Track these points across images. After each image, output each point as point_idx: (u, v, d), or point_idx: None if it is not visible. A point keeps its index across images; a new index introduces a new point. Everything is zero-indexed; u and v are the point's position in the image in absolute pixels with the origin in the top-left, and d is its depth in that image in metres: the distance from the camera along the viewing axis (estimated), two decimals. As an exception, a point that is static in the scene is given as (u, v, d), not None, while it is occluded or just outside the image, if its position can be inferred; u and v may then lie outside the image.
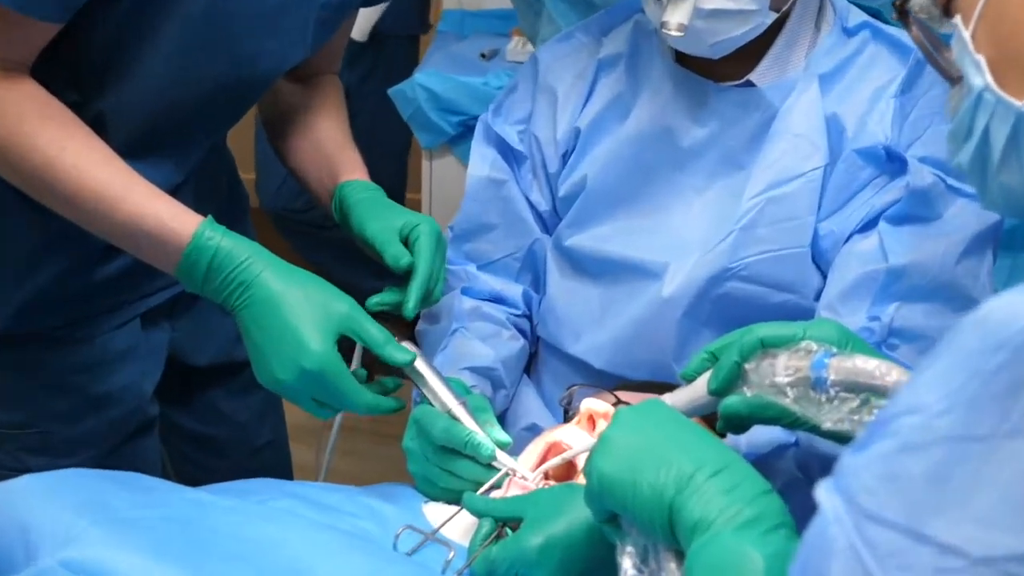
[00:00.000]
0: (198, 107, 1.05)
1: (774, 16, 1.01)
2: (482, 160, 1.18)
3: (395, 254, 1.00)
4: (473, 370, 1.08)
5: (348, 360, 0.93)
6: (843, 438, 0.77)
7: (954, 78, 0.65)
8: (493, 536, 0.81)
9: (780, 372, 0.76)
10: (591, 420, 0.93)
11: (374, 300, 0.99)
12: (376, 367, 0.97)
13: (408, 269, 1.00)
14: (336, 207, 1.10)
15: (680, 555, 0.64)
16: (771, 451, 0.94)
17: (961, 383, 0.44)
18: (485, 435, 0.92)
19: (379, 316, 0.96)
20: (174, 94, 1.02)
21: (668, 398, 0.85)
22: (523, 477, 0.90)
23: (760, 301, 1.03)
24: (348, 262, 2.12)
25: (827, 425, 0.73)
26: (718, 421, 0.83)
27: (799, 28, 1.05)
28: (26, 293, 1.08)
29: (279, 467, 1.41)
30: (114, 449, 1.17)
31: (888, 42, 1.05)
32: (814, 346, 0.76)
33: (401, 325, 0.99)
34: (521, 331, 1.18)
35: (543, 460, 0.91)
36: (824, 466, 0.91)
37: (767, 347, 0.79)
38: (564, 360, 1.16)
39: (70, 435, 1.15)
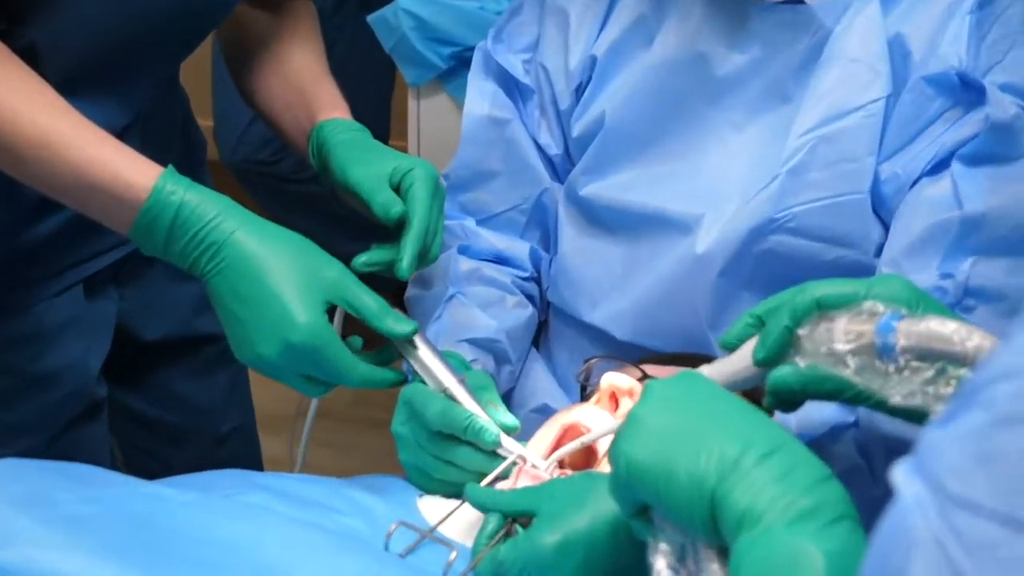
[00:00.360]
0: (144, 35, 1.04)
1: None
2: (481, 96, 1.17)
3: (384, 202, 0.99)
4: (473, 343, 1.08)
5: None
6: (913, 415, 0.76)
7: None
8: (501, 534, 0.81)
9: (839, 338, 0.75)
10: (613, 398, 0.93)
11: (361, 259, 0.99)
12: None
13: (400, 221, 0.99)
14: (314, 151, 1.09)
15: (723, 554, 0.63)
16: (826, 433, 0.94)
17: None
18: (488, 418, 0.92)
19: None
20: (115, 20, 1.00)
21: (706, 370, 0.84)
22: (534, 466, 0.89)
23: (811, 258, 1.02)
24: (324, 222, 2.12)
25: (895, 400, 0.73)
26: (765, 397, 0.82)
27: (855, -68, 1.04)
28: (-55, 255, 1.08)
29: (247, 459, 1.41)
30: (56, 437, 1.17)
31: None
32: (879, 307, 0.75)
33: (384, 292, 0.99)
34: (529, 297, 1.18)
35: (558, 445, 0.91)
36: (890, 450, 0.90)
37: (824, 309, 0.78)
38: (580, 330, 1.15)
39: (5, 420, 1.15)
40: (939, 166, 1.00)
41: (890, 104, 1.02)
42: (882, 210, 1.03)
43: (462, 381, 0.94)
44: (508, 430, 0.92)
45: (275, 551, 0.75)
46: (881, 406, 0.77)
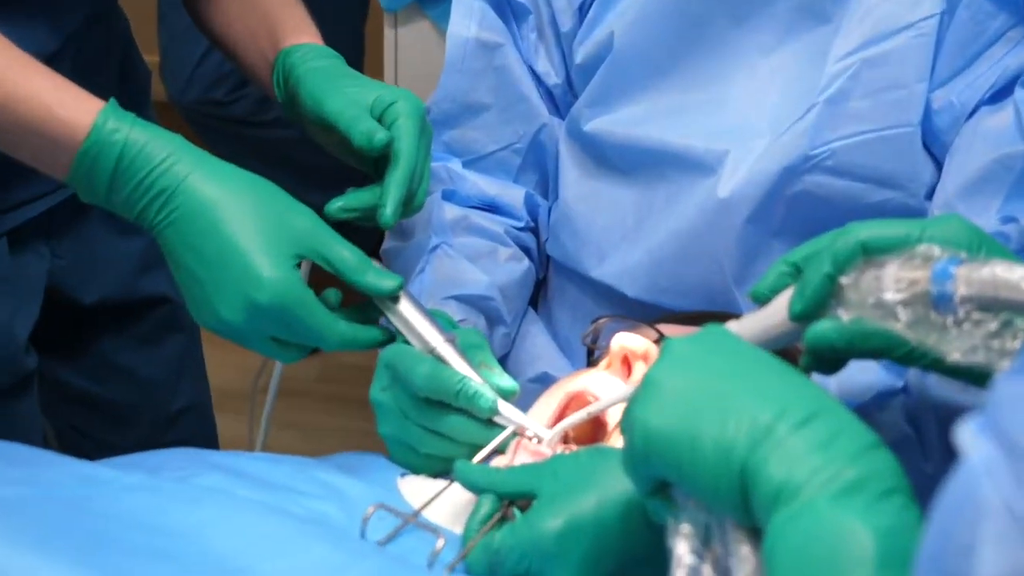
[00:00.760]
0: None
1: None
2: (467, 16, 1.16)
3: (366, 130, 0.98)
4: (461, 299, 1.08)
5: None
6: (974, 375, 0.75)
7: None
8: (496, 519, 0.81)
9: (889, 286, 0.75)
10: (626, 362, 0.93)
11: (336, 204, 0.99)
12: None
13: (384, 150, 0.98)
14: (279, 80, 1.08)
15: (755, 535, 0.63)
16: (871, 400, 0.94)
17: None
18: (483, 381, 0.91)
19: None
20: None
21: (733, 326, 0.84)
22: (536, 439, 0.89)
23: (852, 201, 1.03)
24: (289, 171, 2.11)
25: (953, 357, 0.72)
26: (802, 356, 0.82)
27: None
28: None
29: (201, 441, 1.41)
30: (-24, 415, 1.17)
31: None
32: (935, 250, 0.75)
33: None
34: (524, 249, 1.18)
35: (562, 416, 0.91)
36: (943, 420, 0.91)
37: (870, 253, 0.78)
38: (585, 287, 1.15)
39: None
40: (1000, 93, 1.00)
41: (944, 22, 1.01)
42: (934, 145, 1.03)
43: (451, 340, 0.93)
44: (506, 394, 0.92)
45: (233, 540, 0.75)
46: (937, 365, 0.77)
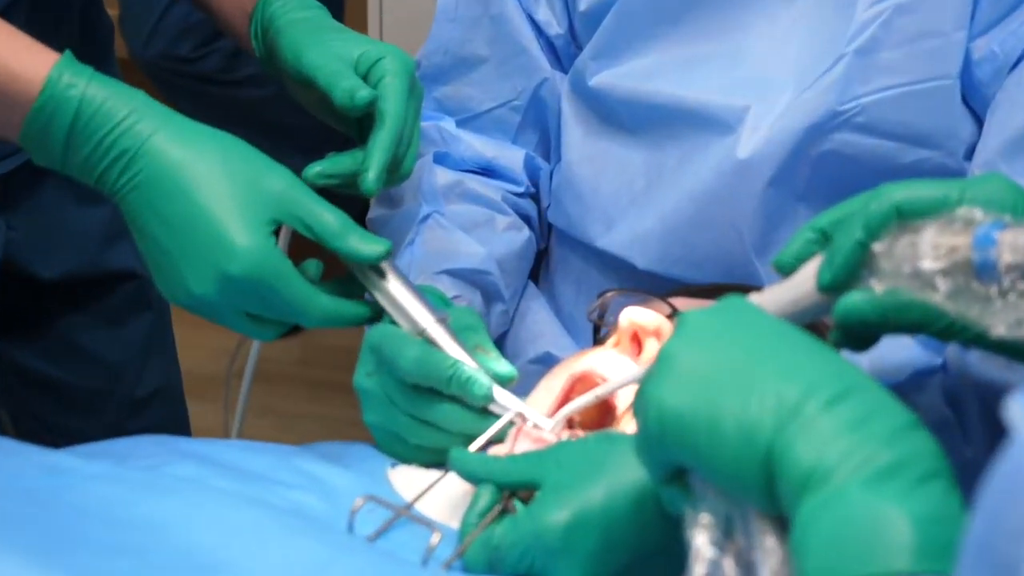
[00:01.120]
0: None
1: None
2: (461, -41, 1.17)
3: (348, 88, 0.97)
4: (455, 274, 1.08)
5: None
6: (1021, 351, 0.76)
7: None
8: (496, 511, 0.81)
9: (926, 254, 0.74)
10: (636, 339, 0.93)
11: (315, 169, 0.98)
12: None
13: (367, 110, 0.98)
14: (257, 33, 1.08)
15: (782, 524, 0.63)
16: (908, 378, 0.94)
17: None
18: (477, 365, 0.92)
19: None
20: None
21: (756, 298, 0.84)
22: (537, 426, 0.89)
23: (884, 162, 1.03)
24: (261, 134, 2.10)
25: (998, 331, 0.71)
26: (831, 331, 0.82)
27: None
28: None
29: (170, 430, 1.40)
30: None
31: None
32: (977, 213, 0.74)
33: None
34: (524, 217, 1.18)
35: (566, 400, 0.91)
36: (986, 401, 0.91)
37: (905, 217, 0.77)
38: (590, 259, 1.16)
39: None
40: (1048, 41, 1.00)
41: (985, -38, 1.01)
42: (974, 99, 1.03)
43: (443, 321, 0.93)
44: (503, 380, 0.92)
45: (208, 534, 0.75)
46: (980, 340, 0.77)
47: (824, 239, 0.82)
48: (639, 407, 0.68)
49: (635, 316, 0.93)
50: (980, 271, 0.73)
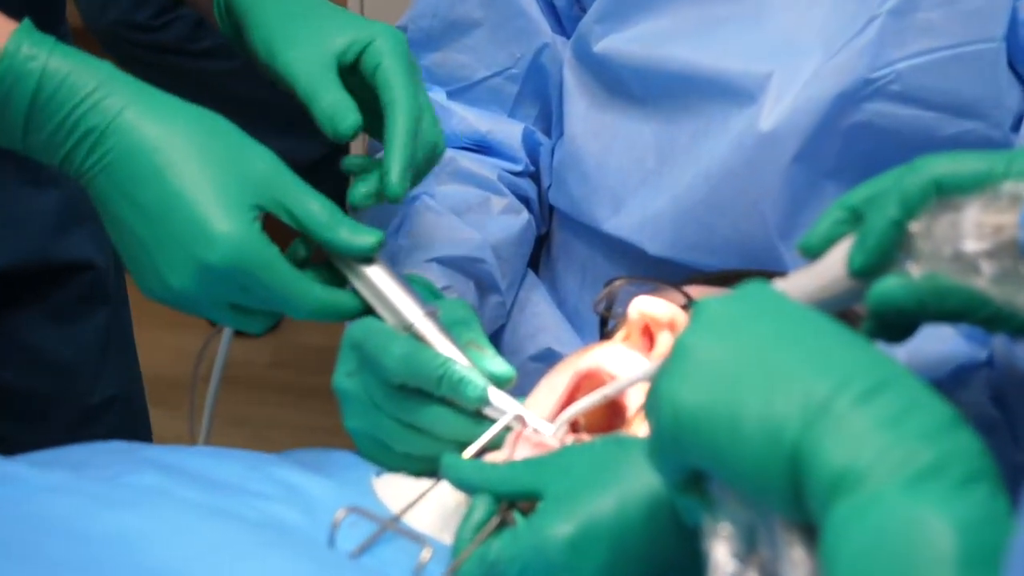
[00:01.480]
0: None
1: None
2: (451, -90, 1.18)
3: (331, 108, 0.96)
4: (446, 263, 1.08)
5: None
6: None
7: None
8: (493, 524, 0.81)
9: (969, 233, 0.75)
10: (647, 333, 0.93)
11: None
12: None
13: (352, 137, 0.97)
14: (221, 13, 1.07)
15: (810, 533, 0.63)
16: (949, 374, 0.95)
17: None
18: (470, 363, 0.92)
19: None
20: None
21: (780, 283, 0.84)
22: (538, 430, 0.89)
23: (923, 133, 1.03)
24: (228, 110, 2.10)
25: (1050, 320, 0.72)
26: (864, 320, 0.82)
27: None
28: None
29: (132, 439, 1.41)
30: None
31: None
32: (1025, 189, 0.75)
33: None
34: (523, 199, 1.19)
35: (570, 400, 0.91)
36: None
37: (946, 193, 0.78)
38: (596, 244, 1.16)
39: None
40: (1103, -1, 1.00)
41: (1033, -89, 1.02)
42: (1022, 64, 1.03)
43: (433, 314, 0.93)
44: (499, 381, 0.92)
45: (173, 550, 0.75)
46: (1029, 330, 0.78)
47: (855, 219, 0.82)
48: (651, 406, 0.68)
49: (646, 307, 0.93)
50: (1030, 252, 0.73)
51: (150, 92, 0.93)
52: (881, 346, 0.85)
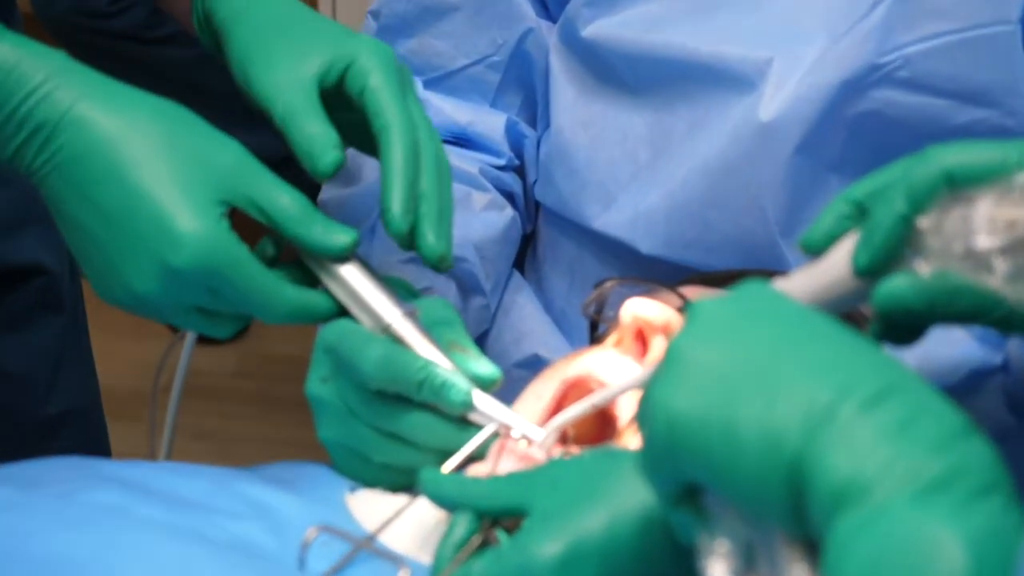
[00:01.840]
0: None
1: None
2: None
3: (310, 143, 0.94)
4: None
5: None
6: None
7: None
8: (475, 543, 0.81)
9: (982, 229, 0.75)
10: (640, 337, 0.93)
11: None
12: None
13: (332, 175, 0.95)
14: (200, 20, 1.07)
15: (813, 550, 0.63)
16: (962, 379, 0.95)
17: None
18: (453, 366, 0.92)
19: None
20: None
21: (781, 283, 0.84)
22: (525, 439, 0.90)
23: (933, 122, 1.03)
24: (195, 100, 2.09)
25: (1068, 321, 0.73)
26: (870, 322, 0.82)
27: None
28: None
29: (89, 454, 1.41)
30: None
31: None
32: (1042, 181, 0.75)
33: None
34: (507, 194, 1.19)
35: (558, 409, 0.91)
36: None
37: (956, 186, 0.78)
38: (586, 242, 1.16)
39: None
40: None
41: None
42: (1039, 48, 1.04)
43: (412, 314, 0.94)
44: (485, 383, 0.92)
45: (132, 573, 0.75)
46: (1047, 332, 0.78)
47: (860, 213, 0.83)
48: (644, 415, 0.68)
49: (639, 310, 0.93)
50: (1046, 249, 0.73)
51: (106, 83, 0.93)
52: (888, 350, 0.85)
